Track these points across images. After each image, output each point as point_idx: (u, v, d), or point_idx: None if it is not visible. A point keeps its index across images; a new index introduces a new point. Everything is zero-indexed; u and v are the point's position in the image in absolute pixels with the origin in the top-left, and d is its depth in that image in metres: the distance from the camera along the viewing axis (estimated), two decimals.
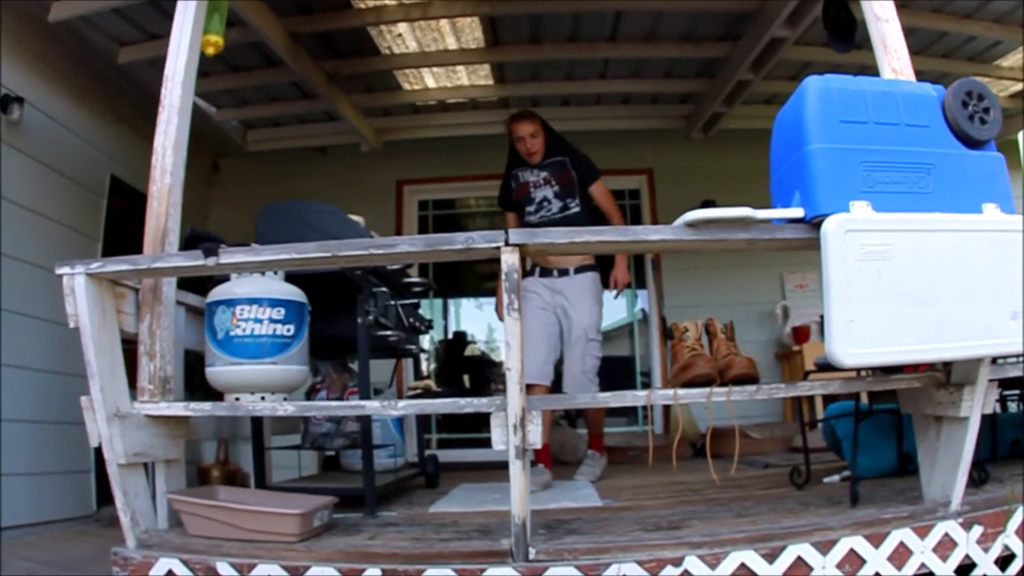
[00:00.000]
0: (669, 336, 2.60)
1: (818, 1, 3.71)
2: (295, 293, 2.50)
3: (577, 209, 3.71)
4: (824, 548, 1.91)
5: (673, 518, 2.28)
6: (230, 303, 2.39)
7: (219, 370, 2.40)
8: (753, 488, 3.00)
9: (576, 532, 2.14)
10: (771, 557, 1.88)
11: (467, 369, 6.80)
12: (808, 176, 1.91)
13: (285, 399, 2.45)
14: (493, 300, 4.05)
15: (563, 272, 3.68)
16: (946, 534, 1.97)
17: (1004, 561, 2.01)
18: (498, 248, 1.96)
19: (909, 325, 1.82)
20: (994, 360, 2.11)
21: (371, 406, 2.30)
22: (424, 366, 6.29)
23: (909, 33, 2.48)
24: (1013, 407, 3.30)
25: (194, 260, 2.12)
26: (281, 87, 4.91)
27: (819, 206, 1.88)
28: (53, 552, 3.04)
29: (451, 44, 4.56)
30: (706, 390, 2.13)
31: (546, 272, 3.70)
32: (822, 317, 1.86)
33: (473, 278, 7.16)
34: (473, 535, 2.18)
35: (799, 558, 1.89)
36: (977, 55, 4.69)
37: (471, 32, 4.44)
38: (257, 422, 3.02)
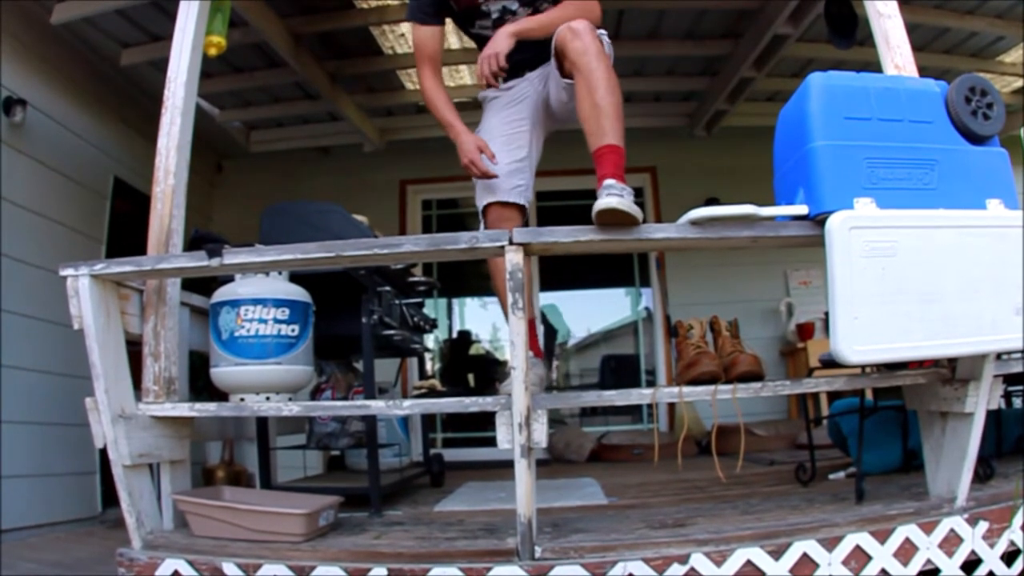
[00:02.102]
0: (674, 334, 2.58)
1: None
2: (299, 293, 2.50)
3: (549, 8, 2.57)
4: (830, 545, 1.90)
5: (679, 516, 2.28)
6: (234, 304, 2.39)
7: (224, 371, 2.40)
8: (758, 485, 3.00)
9: (582, 530, 2.14)
10: (777, 554, 1.88)
11: (472, 368, 6.81)
12: (812, 173, 1.91)
13: (290, 399, 2.45)
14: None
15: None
16: (952, 530, 1.97)
17: (1010, 556, 2.00)
18: (502, 247, 1.96)
19: (914, 321, 1.82)
20: (999, 356, 2.10)
21: (376, 406, 2.30)
22: (429, 365, 6.30)
23: (911, 29, 2.48)
24: (1018, 403, 3.29)
25: (198, 261, 2.12)
26: (284, 88, 4.91)
27: (823, 203, 1.88)
28: (58, 553, 3.04)
29: (454, 43, 4.56)
30: (711, 388, 2.13)
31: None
32: (826, 314, 1.85)
33: (477, 277, 7.15)
34: (479, 534, 2.18)
35: (805, 555, 1.89)
36: (979, 51, 4.69)
37: None
38: (262, 422, 3.02)
